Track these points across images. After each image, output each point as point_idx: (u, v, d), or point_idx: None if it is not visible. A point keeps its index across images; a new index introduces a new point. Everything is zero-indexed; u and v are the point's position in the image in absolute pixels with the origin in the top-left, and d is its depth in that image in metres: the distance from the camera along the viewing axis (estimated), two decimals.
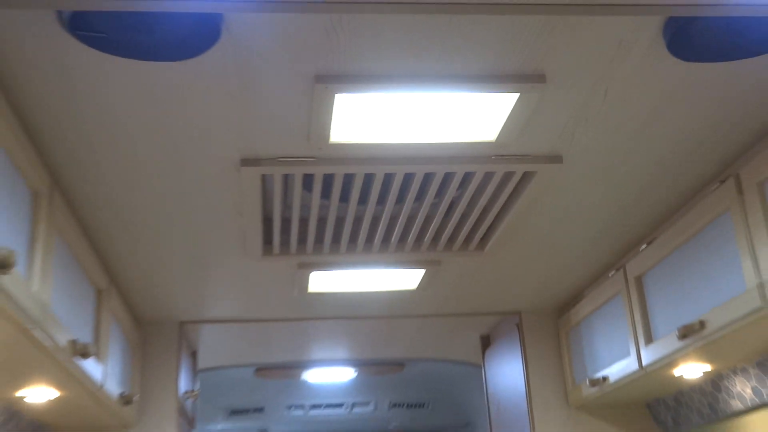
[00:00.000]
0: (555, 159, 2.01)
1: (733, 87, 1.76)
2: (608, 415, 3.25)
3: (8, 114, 1.64)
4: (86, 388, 2.34)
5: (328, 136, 1.84)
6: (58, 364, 2.05)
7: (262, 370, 4.41)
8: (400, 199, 2.24)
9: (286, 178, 2.12)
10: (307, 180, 2.12)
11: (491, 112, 1.78)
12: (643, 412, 3.25)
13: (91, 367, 2.31)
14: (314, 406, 5.19)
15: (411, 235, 2.46)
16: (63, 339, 2.00)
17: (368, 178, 2.10)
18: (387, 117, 1.78)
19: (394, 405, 5.25)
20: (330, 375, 4.55)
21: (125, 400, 2.74)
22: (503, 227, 2.39)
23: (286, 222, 2.39)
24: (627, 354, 2.68)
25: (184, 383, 3.40)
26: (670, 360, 2.42)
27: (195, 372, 3.85)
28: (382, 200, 2.24)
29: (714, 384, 2.70)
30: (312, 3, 1.33)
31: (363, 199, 2.24)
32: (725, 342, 2.20)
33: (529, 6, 1.37)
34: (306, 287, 2.90)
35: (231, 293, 2.99)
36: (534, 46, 1.56)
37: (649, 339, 2.54)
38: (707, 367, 2.51)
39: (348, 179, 2.10)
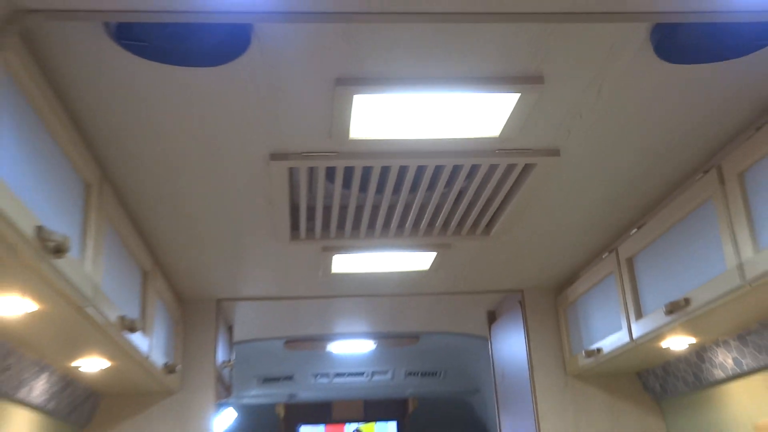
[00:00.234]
0: (553, 152, 2.01)
1: (715, 86, 1.75)
2: (602, 383, 3.25)
3: (63, 116, 1.65)
4: (134, 359, 2.37)
5: (348, 133, 1.85)
6: (109, 338, 2.07)
7: (291, 342, 4.43)
8: (414, 189, 2.25)
9: (311, 171, 2.13)
10: (330, 172, 2.13)
11: (495, 110, 1.78)
12: (634, 380, 3.25)
13: (138, 340, 2.33)
14: (338, 375, 5.21)
15: (423, 221, 2.46)
16: (113, 315, 2.03)
17: (384, 170, 2.11)
18: (401, 115, 1.78)
19: (410, 373, 5.27)
20: (352, 346, 4.57)
21: (169, 369, 2.77)
22: (507, 214, 2.39)
23: (311, 210, 2.40)
24: (619, 328, 2.67)
25: (221, 354, 3.42)
26: (658, 333, 2.42)
27: (231, 344, 3.87)
28: (397, 190, 2.25)
29: (698, 355, 2.69)
30: (333, 14, 1.34)
31: (380, 189, 2.24)
32: (708, 317, 2.19)
33: (529, 15, 1.38)
34: (330, 268, 2.90)
35: (263, 274, 3.00)
36: (533, 51, 1.56)
37: (639, 314, 2.53)
38: (692, 340, 2.50)
39: (366, 171, 2.11)
